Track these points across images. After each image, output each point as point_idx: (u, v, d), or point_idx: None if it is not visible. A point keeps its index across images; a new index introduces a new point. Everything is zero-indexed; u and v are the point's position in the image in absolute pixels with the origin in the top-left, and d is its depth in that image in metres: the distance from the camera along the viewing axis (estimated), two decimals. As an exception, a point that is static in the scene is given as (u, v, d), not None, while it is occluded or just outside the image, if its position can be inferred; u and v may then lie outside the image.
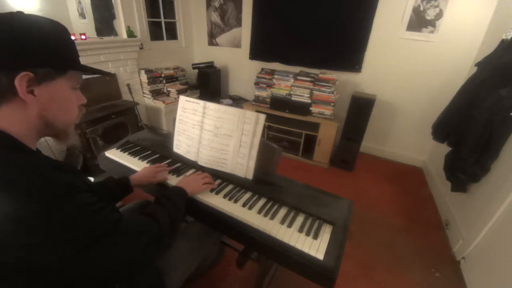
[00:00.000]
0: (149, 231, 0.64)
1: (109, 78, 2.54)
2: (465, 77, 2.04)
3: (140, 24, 2.82)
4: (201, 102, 1.11)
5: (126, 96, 2.80)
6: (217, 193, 1.00)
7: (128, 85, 2.81)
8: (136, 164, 1.16)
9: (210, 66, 3.41)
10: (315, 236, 0.83)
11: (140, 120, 2.81)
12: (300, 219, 0.91)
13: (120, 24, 2.68)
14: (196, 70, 3.37)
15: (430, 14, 2.28)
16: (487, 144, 1.50)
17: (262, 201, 0.98)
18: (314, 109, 2.63)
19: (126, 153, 1.24)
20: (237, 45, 3.36)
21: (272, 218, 0.90)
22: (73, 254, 0.46)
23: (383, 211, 2.08)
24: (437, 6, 2.23)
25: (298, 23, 2.81)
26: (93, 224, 0.49)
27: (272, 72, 2.78)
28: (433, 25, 2.29)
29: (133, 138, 1.37)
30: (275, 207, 0.95)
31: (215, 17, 3.36)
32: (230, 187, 1.05)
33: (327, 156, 2.66)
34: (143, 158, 1.20)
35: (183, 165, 1.17)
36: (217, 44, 3.53)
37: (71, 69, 0.55)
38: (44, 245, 0.44)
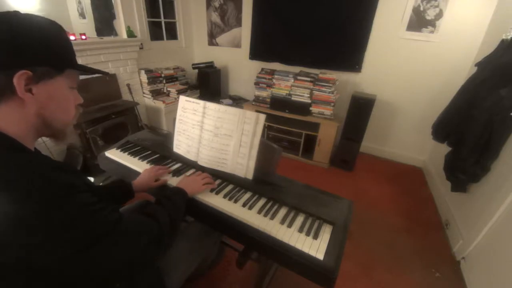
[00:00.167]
0: (149, 231, 0.64)
1: (109, 78, 2.55)
2: (465, 77, 2.04)
3: (140, 24, 2.82)
4: (201, 102, 1.11)
5: (126, 96, 2.80)
6: (217, 193, 1.00)
7: (128, 85, 2.81)
8: (136, 164, 1.16)
9: (210, 66, 3.41)
10: (315, 236, 0.83)
11: (140, 120, 2.81)
12: (300, 219, 0.91)
13: (120, 24, 2.68)
14: (196, 70, 3.37)
15: (430, 14, 2.28)
16: (487, 144, 1.50)
17: (262, 201, 0.98)
18: (314, 109, 2.63)
19: (126, 153, 1.24)
20: (237, 45, 3.36)
21: (272, 218, 0.90)
22: (73, 254, 0.46)
23: (383, 211, 2.08)
24: (437, 6, 2.23)
25: (298, 23, 2.81)
26: (93, 224, 0.49)
27: (272, 72, 2.78)
28: (433, 25, 2.29)
29: (133, 138, 1.37)
30: (275, 207, 0.95)
31: (215, 17, 3.36)
32: (230, 187, 1.05)
33: (327, 156, 2.66)
34: (143, 158, 1.20)
35: (183, 165, 1.17)
36: (217, 44, 3.53)
37: (69, 68, 0.55)
38: (44, 245, 0.44)
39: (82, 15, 2.77)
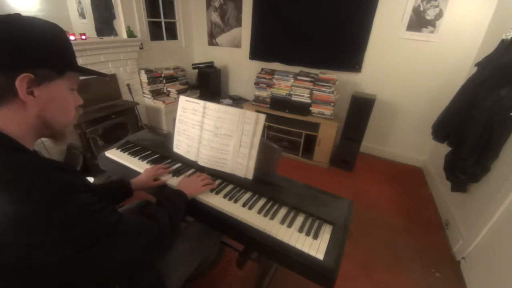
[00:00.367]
0: (149, 231, 0.65)
1: (109, 78, 2.55)
2: (465, 77, 2.04)
3: (140, 24, 2.82)
4: (201, 102, 1.11)
5: (126, 96, 2.80)
6: (217, 193, 1.00)
7: (128, 85, 2.81)
8: (136, 164, 1.16)
9: (210, 66, 3.41)
10: (315, 236, 0.83)
11: (140, 120, 2.81)
12: (300, 219, 0.91)
13: (120, 24, 2.68)
14: (196, 70, 3.37)
15: (430, 14, 2.28)
16: (487, 144, 1.50)
17: (262, 201, 0.98)
18: (314, 109, 2.63)
19: (126, 153, 1.24)
20: (237, 45, 3.36)
21: (272, 218, 0.90)
22: (73, 254, 0.46)
23: (383, 211, 2.08)
24: (437, 6, 2.23)
25: (298, 23, 2.81)
26: (93, 224, 0.49)
27: (272, 72, 2.78)
28: (433, 25, 2.29)
29: (133, 138, 1.37)
30: (275, 207, 0.95)
31: (215, 17, 3.36)
32: (230, 187, 1.05)
33: (327, 156, 2.66)
34: (143, 158, 1.20)
35: (183, 165, 1.17)
36: (217, 44, 3.53)
37: (69, 70, 0.55)
38: (44, 245, 0.44)
39: (82, 15, 2.77)
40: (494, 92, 1.45)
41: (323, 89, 2.54)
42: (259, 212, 0.92)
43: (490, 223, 1.42)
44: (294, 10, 2.78)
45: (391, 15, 2.42)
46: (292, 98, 2.69)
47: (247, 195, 1.01)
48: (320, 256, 0.77)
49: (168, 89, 3.15)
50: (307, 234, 0.84)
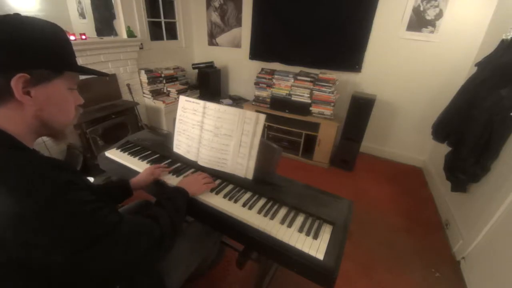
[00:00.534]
0: (150, 232, 0.64)
1: (109, 78, 2.55)
2: (465, 77, 2.04)
3: (140, 24, 2.82)
4: (201, 102, 1.11)
5: (126, 96, 2.80)
6: (217, 193, 1.00)
7: (128, 85, 2.81)
8: (136, 164, 1.16)
9: (210, 66, 3.41)
10: (315, 236, 0.83)
11: (140, 120, 2.81)
12: (300, 219, 0.91)
13: (120, 24, 2.68)
14: (196, 70, 3.37)
15: (430, 14, 2.28)
16: (487, 144, 1.50)
17: (262, 201, 0.98)
18: (314, 109, 2.63)
19: (126, 153, 1.24)
20: (237, 45, 3.36)
21: (272, 218, 0.90)
22: (73, 254, 0.46)
23: (383, 211, 2.08)
24: (437, 6, 2.23)
25: (298, 23, 2.81)
26: (93, 224, 0.49)
27: (272, 72, 2.78)
28: (433, 25, 2.29)
29: (133, 138, 1.37)
30: (275, 207, 0.95)
31: (215, 17, 3.36)
32: (230, 187, 1.05)
33: (327, 156, 2.66)
34: (143, 158, 1.20)
35: (183, 165, 1.17)
36: (217, 44, 3.52)
37: (68, 70, 0.55)
38: (44, 244, 0.44)
39: (82, 15, 2.77)
40: (494, 92, 1.45)
41: (323, 89, 2.54)
42: (259, 212, 0.92)
43: (490, 223, 1.42)
44: (294, 10, 2.78)
45: (391, 15, 2.42)
46: (292, 98, 2.69)
47: (247, 195, 1.01)
48: (320, 256, 0.77)
49: (168, 89, 3.15)
50: (307, 234, 0.84)
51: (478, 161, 1.56)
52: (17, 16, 0.49)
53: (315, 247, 0.79)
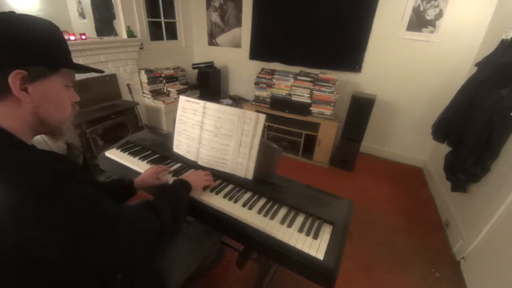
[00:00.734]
0: (151, 224, 0.64)
1: (109, 78, 2.55)
2: (465, 77, 2.04)
3: (140, 24, 2.82)
4: (201, 102, 1.11)
5: (126, 96, 2.80)
6: (217, 193, 1.00)
7: (128, 85, 2.81)
8: (136, 164, 1.16)
9: (210, 66, 3.41)
10: (315, 236, 0.83)
11: (140, 120, 2.81)
12: (300, 219, 0.91)
13: (120, 24, 2.68)
14: (196, 70, 3.37)
15: (430, 14, 2.28)
16: (487, 144, 1.50)
17: (262, 201, 0.98)
18: (314, 109, 2.63)
19: (126, 153, 1.24)
20: (237, 45, 3.36)
21: (272, 218, 0.90)
22: (73, 247, 0.46)
23: (383, 211, 2.08)
24: (437, 6, 2.23)
25: (298, 23, 2.81)
26: (93, 216, 0.49)
27: (272, 72, 2.78)
28: (433, 25, 2.29)
29: (133, 138, 1.37)
30: (275, 207, 0.96)
31: (215, 17, 3.36)
32: (230, 187, 1.05)
33: (327, 156, 2.66)
34: (143, 158, 1.20)
35: (183, 165, 1.17)
36: (217, 44, 3.52)
37: (63, 67, 0.56)
38: (45, 238, 0.44)
39: (82, 15, 2.77)
40: (494, 92, 1.45)
41: (323, 89, 2.54)
42: (259, 212, 0.92)
43: (490, 223, 1.42)
44: (294, 10, 2.78)
45: (391, 15, 2.42)
46: (292, 98, 2.69)
47: (247, 195, 1.01)
48: (320, 256, 0.77)
49: (168, 89, 3.15)
50: (307, 234, 0.84)
51: (478, 161, 1.56)
52: (12, 13, 0.49)
53: (315, 247, 0.79)
